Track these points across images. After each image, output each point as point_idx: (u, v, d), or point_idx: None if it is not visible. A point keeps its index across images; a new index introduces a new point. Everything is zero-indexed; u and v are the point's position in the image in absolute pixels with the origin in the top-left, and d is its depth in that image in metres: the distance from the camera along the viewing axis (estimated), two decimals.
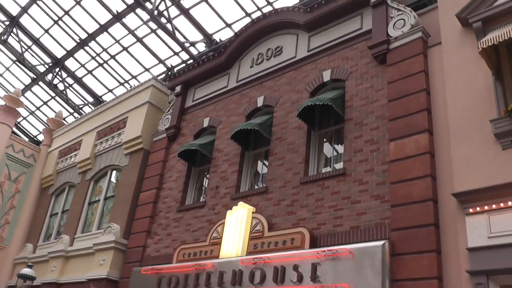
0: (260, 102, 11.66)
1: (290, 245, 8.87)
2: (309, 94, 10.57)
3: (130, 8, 15.18)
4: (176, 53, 16.63)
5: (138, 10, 15.25)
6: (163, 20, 15.07)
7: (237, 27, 15.48)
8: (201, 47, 16.38)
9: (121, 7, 15.44)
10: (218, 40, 15.86)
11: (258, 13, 14.63)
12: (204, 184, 12.65)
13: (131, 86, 15.39)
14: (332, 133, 10.17)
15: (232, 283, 9.29)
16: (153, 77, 14.50)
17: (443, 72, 8.53)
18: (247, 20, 14.95)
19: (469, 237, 7.00)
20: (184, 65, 16.43)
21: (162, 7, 14.64)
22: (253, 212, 10.03)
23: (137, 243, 12.43)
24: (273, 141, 10.78)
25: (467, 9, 8.45)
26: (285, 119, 10.81)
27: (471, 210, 7.10)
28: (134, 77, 18.03)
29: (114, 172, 14.55)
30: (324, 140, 10.28)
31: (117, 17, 15.66)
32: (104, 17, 16.16)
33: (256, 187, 11.09)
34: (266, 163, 11.17)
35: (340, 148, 9.91)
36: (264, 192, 10.28)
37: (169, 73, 16.27)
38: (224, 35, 15.86)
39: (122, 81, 18.33)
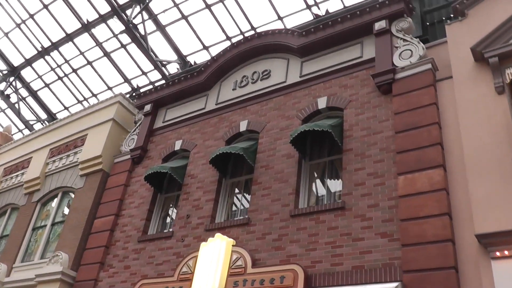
0: (243, 126, 10.72)
1: (280, 284, 7.76)
2: (301, 121, 9.78)
3: (102, 19, 14.03)
4: (144, 73, 15.53)
5: (110, 21, 14.14)
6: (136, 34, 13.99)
7: (214, 50, 14.69)
8: (172, 69, 15.40)
9: (92, 16, 14.27)
10: (193, 63, 14.93)
11: (239, 37, 13.87)
12: (170, 213, 11.36)
13: (89, 105, 14.02)
14: (326, 164, 9.34)
15: None
16: (120, 93, 13.26)
17: (456, 106, 8.03)
18: (226, 43, 14.21)
19: (496, 284, 6.25)
20: (151, 86, 15.28)
21: (137, 20, 13.62)
22: (232, 245, 8.88)
23: (87, 275, 10.80)
24: (257, 169, 9.80)
25: (482, 44, 8.11)
26: (272, 146, 9.90)
27: (498, 253, 6.39)
28: (95, 95, 16.61)
29: (66, 194, 12.90)
30: (316, 171, 9.42)
31: (86, 27, 14.42)
32: (72, 25, 14.87)
33: (234, 218, 9.97)
34: (247, 192, 10.15)
35: (334, 181, 9.09)
36: (245, 224, 9.19)
37: (134, 93, 15.08)
38: (200, 58, 15.01)
39: (81, 98, 16.84)
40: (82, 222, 11.55)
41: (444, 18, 11.06)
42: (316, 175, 9.39)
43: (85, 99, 16.78)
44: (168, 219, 11.28)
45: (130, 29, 13.16)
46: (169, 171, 10.63)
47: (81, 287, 10.72)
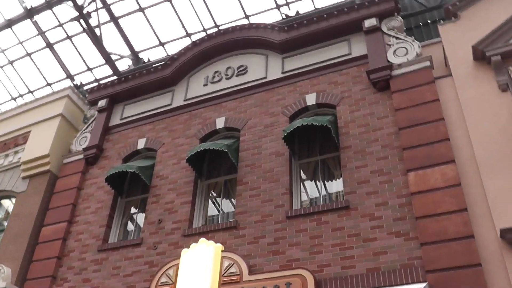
0: (220, 123, 9.92)
1: None
2: (288, 118, 9.21)
3: (48, 5, 12.50)
4: (89, 69, 14.13)
5: (56, 8, 12.66)
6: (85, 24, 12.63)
7: (170, 47, 13.76)
8: (122, 65, 14.18)
9: (36, 1, 12.67)
10: (146, 60, 13.85)
11: (200, 35, 13.09)
12: (134, 218, 10.17)
13: (26, 101, 12.38)
14: (317, 163, 8.80)
15: None
16: (69, 86, 11.87)
17: (459, 104, 7.94)
18: (185, 40, 13.38)
19: None
20: (96, 84, 13.91)
21: (90, 8, 12.31)
22: (222, 251, 8.00)
23: None
24: (241, 168, 9.03)
25: (482, 43, 8.14)
26: (257, 143, 9.21)
27: None
28: (31, 91, 14.83)
29: (4, 199, 11.17)
30: (307, 170, 8.86)
31: (29, 13, 12.79)
32: (14, 10, 13.09)
33: (213, 222, 9.09)
34: (227, 194, 9.35)
35: (328, 180, 8.59)
36: (233, 227, 8.35)
37: (78, 89, 13.64)
38: (153, 55, 13.96)
39: (15, 94, 14.95)
40: (27, 230, 9.97)
41: (421, 24, 11.13)
42: (307, 174, 8.82)
43: (20, 95, 14.92)
44: (131, 226, 10.09)
45: (84, 16, 11.84)
46: (137, 171, 9.51)
47: None
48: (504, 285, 6.20)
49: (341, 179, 8.34)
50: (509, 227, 6.37)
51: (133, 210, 10.30)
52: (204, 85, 10.72)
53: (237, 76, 10.45)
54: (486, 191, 6.89)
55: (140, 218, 9.99)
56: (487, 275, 6.29)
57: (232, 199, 9.21)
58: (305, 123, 8.21)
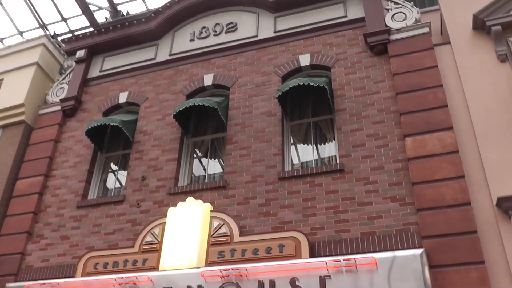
0: (208, 80, 9.56)
1: (279, 253, 6.90)
2: (280, 78, 8.96)
3: None
4: (64, 19, 13.33)
5: None
6: None
7: (151, 1, 13.10)
8: (99, 18, 13.46)
9: None
10: (125, 13, 13.17)
11: None
12: (114, 175, 9.79)
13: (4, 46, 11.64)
14: (309, 125, 8.62)
15: None
16: (45, 34, 11.17)
17: (457, 72, 7.88)
18: None
19: None
20: (70, 35, 13.20)
21: None
22: (211, 211, 7.79)
23: (10, 248, 8.83)
24: (231, 127, 8.77)
25: (483, 12, 8.04)
26: (248, 102, 8.93)
27: None
28: (1, 39, 13.89)
29: None
30: (298, 131, 8.67)
31: None
32: None
33: (199, 181, 8.85)
34: (214, 153, 9.10)
35: (321, 142, 8.44)
36: (221, 187, 8.13)
37: (53, 38, 12.88)
38: (133, 8, 13.29)
39: None
40: (1, 182, 9.47)
41: None
42: (298, 136, 8.64)
43: None
44: (112, 182, 9.72)
45: None
46: (120, 125, 9.09)
47: (3, 262, 8.72)
48: (499, 253, 6.27)
49: (334, 142, 8.25)
50: (505, 195, 6.41)
51: (113, 166, 9.92)
52: (191, 40, 10.28)
53: (226, 33, 10.05)
54: (483, 160, 6.91)
55: (122, 174, 9.65)
56: (482, 242, 6.35)
57: (219, 159, 8.99)
58: (302, 83, 7.97)
